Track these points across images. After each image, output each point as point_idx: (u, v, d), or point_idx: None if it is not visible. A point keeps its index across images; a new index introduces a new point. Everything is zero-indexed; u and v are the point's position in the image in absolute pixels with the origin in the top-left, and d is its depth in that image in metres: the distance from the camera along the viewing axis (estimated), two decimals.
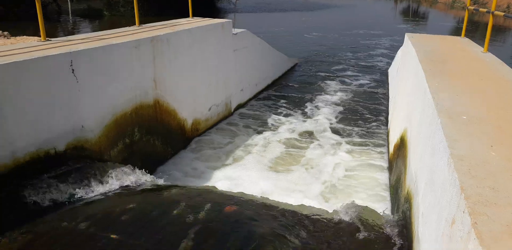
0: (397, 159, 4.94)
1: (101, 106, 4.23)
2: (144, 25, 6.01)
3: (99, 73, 4.16)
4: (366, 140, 6.76)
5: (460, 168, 1.93)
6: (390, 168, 5.58)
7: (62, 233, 2.99)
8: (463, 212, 1.61)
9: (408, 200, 3.42)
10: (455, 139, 2.31)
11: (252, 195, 3.96)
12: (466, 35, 6.90)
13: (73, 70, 3.85)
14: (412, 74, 5.06)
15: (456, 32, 23.69)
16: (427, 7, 54.63)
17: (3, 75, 3.21)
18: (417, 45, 5.68)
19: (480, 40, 6.82)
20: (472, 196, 1.67)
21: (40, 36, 4.42)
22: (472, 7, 6.67)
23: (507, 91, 3.42)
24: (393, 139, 5.75)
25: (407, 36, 6.98)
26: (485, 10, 5.77)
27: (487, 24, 5.46)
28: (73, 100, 3.87)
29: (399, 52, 9.08)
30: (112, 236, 2.98)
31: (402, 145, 4.78)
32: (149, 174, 4.19)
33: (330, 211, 3.63)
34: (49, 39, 4.42)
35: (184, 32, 5.73)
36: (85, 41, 4.44)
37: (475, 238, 1.42)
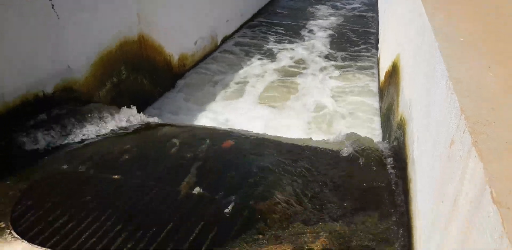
0: (389, 86, 4.94)
1: (86, 44, 4.04)
2: None
3: (80, 9, 3.90)
4: (356, 63, 6.74)
5: (459, 90, 1.92)
6: (381, 96, 5.61)
7: (62, 177, 3.01)
8: (463, 132, 1.64)
9: (402, 126, 3.48)
10: (453, 61, 2.28)
11: (248, 130, 3.98)
12: None
13: (52, 5, 3.60)
14: None
15: None
16: None
17: None
18: None
19: None
20: (472, 116, 1.69)
21: None
22: None
23: (505, 13, 3.31)
24: (384, 66, 5.70)
25: None
26: None
27: None
28: (56, 39, 3.68)
29: None
30: (113, 177, 3.03)
31: (394, 71, 4.74)
32: (141, 113, 4.15)
33: (328, 141, 3.70)
34: None
35: None
36: None
37: (475, 155, 1.46)
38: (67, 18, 3.75)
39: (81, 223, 2.58)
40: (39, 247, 2.41)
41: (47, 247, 2.40)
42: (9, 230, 2.53)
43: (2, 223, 2.59)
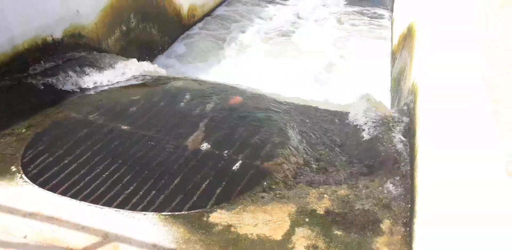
0: (402, 50, 4.81)
1: None
2: None
3: None
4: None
5: (487, 52, 1.86)
6: (392, 60, 5.49)
7: (72, 124, 3.02)
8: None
9: (414, 91, 3.42)
10: (482, 22, 2.18)
11: (257, 88, 3.92)
12: None
13: None
14: None
15: None
16: None
17: None
18: None
19: None
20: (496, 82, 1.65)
21: None
22: None
23: None
24: (399, 28, 5.52)
25: None
26: None
27: None
28: None
29: None
30: (123, 127, 3.03)
31: (409, 34, 4.59)
32: (151, 64, 4.07)
33: (341, 105, 3.68)
34: None
35: None
36: None
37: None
38: None
39: (91, 172, 2.62)
40: (50, 192, 2.46)
41: (58, 193, 2.45)
42: (20, 174, 2.57)
43: (13, 166, 2.62)
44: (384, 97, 4.63)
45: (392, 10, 7.09)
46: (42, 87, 3.27)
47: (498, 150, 1.37)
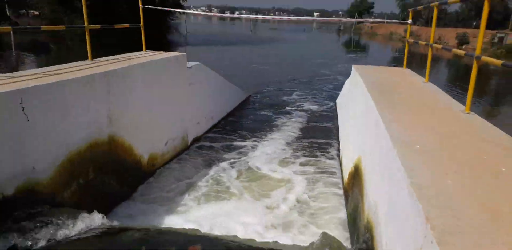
0: (353, 187, 5.06)
1: (54, 145, 4.03)
2: (97, 59, 5.91)
3: (51, 111, 3.99)
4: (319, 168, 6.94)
5: (422, 198, 2.02)
6: (346, 196, 5.69)
7: None
8: (431, 242, 1.68)
9: (369, 229, 3.49)
10: (412, 168, 2.43)
11: (216, 234, 3.85)
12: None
13: (23, 108, 3.68)
14: (361, 105, 5.32)
15: (395, 61, 25.41)
16: (367, 40, 58.43)
17: None
18: (365, 76, 6.02)
19: (418, 70, 7.38)
20: (438, 226, 1.75)
21: None
22: (412, 40, 7.22)
23: (450, 120, 3.68)
24: (347, 167, 5.92)
25: (354, 68, 7.37)
26: (424, 42, 6.27)
27: (421, 54, 5.94)
28: (23, 140, 3.67)
29: (347, 83, 9.53)
30: None
31: (356, 173, 4.92)
32: (104, 217, 3.96)
33: (301, 246, 3.62)
34: None
35: (138, 66, 5.69)
36: (37, 76, 4.29)
37: None
38: (37, 119, 3.80)
39: None
40: None
41: None
42: None
43: None
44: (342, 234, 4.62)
45: (338, 151, 7.70)
46: None
47: None
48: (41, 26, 5.30)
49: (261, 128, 9.32)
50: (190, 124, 7.62)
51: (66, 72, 4.69)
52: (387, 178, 2.94)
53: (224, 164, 6.85)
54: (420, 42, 6.66)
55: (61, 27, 6.21)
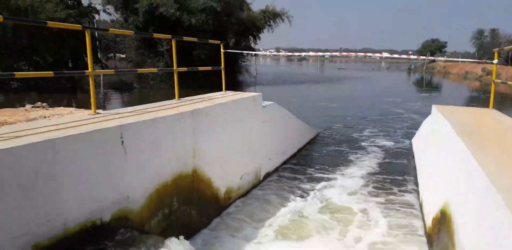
0: (439, 233, 4.76)
1: (146, 176, 4.32)
2: (183, 99, 6.35)
3: (145, 145, 4.32)
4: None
5: None
6: (429, 242, 5.34)
7: None
8: None
9: None
10: None
11: None
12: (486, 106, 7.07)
13: (122, 142, 4.02)
14: (449, 147, 5.09)
15: (473, 101, 24.14)
16: (440, 79, 56.43)
17: (61, 148, 3.34)
18: (449, 117, 5.80)
19: (503, 110, 6.98)
20: None
21: (80, 108, 4.70)
22: (499, 81, 6.89)
23: None
24: (431, 211, 5.59)
25: (434, 108, 7.14)
26: None
27: (502, 94, 5.64)
28: (121, 171, 3.98)
29: (426, 122, 9.19)
30: None
31: (444, 218, 4.63)
32: (188, 243, 4.09)
33: None
34: (99, 112, 4.68)
35: (220, 105, 6.02)
36: (133, 114, 4.69)
37: None
38: (133, 152, 4.14)
39: None
40: None
41: None
42: None
43: None
44: None
45: (417, 194, 7.30)
46: None
47: None
48: (137, 69, 5.86)
49: (334, 162, 9.29)
50: (263, 160, 7.75)
51: (158, 110, 5.08)
52: (488, 225, 2.75)
53: (296, 204, 6.77)
54: (509, 82, 6.34)
55: (153, 69, 6.81)
